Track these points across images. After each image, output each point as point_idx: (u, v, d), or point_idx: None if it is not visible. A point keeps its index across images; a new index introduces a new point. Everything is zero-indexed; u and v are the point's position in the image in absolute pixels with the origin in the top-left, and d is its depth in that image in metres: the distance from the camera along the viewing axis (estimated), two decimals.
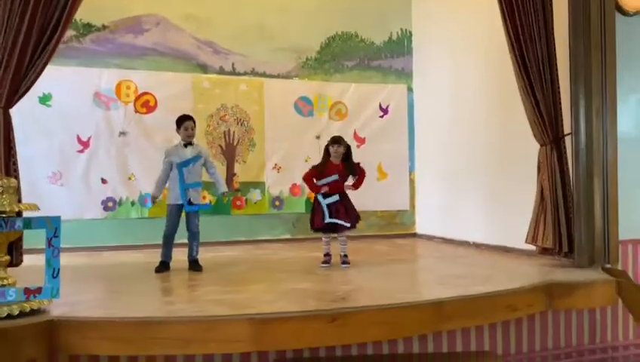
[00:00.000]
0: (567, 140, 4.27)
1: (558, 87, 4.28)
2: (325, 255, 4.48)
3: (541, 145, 4.36)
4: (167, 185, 4.48)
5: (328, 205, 4.37)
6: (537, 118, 4.28)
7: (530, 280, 3.56)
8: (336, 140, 4.49)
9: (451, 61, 6.15)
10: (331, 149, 4.45)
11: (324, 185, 4.40)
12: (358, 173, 4.52)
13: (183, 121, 4.39)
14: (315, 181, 4.46)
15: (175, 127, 4.45)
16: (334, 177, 4.41)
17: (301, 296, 3.28)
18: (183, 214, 4.44)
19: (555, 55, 4.28)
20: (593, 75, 4.02)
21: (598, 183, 4.03)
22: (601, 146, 4.04)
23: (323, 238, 4.54)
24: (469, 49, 5.76)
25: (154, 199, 4.59)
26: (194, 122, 4.45)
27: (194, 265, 4.38)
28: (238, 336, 2.72)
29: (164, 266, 4.33)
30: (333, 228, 4.44)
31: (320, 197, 4.40)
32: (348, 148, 4.51)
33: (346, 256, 4.47)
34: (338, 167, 4.45)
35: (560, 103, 4.28)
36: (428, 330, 3.14)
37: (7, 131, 3.32)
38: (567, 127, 4.26)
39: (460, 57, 5.98)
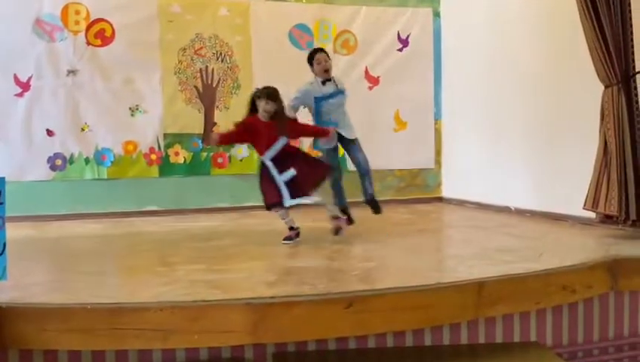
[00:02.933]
0: (639, 80, 4.26)
1: (629, 11, 4.24)
2: (291, 228, 4.45)
3: (606, 87, 4.33)
4: None
5: (286, 183, 4.31)
6: (602, 51, 4.23)
7: (589, 256, 3.61)
8: (272, 95, 4.33)
9: None
10: (261, 105, 4.29)
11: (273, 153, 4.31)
12: (293, 135, 4.50)
13: (314, 55, 4.64)
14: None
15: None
16: (283, 141, 4.32)
17: (308, 276, 3.31)
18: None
19: None
20: None
21: None
22: None
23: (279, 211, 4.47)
24: None
25: None
26: (326, 54, 4.65)
27: (373, 205, 4.67)
28: (231, 326, 2.77)
29: (344, 214, 4.61)
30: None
31: (272, 171, 4.30)
32: (282, 106, 4.38)
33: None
34: (271, 126, 4.32)
35: (630, 32, 4.24)
36: (467, 317, 3.19)
37: None
38: (638, 64, 4.24)
39: None
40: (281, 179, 4.30)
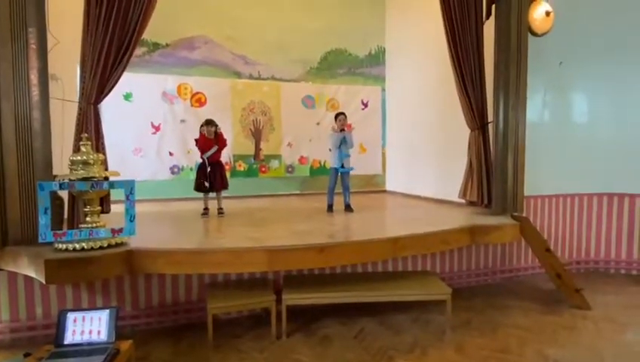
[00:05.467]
0: (490, 126, 4.18)
1: (485, 88, 4.17)
2: (205, 208, 4.29)
3: (471, 130, 4.27)
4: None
5: (209, 172, 4.21)
6: (469, 110, 4.17)
7: (459, 224, 3.53)
8: (209, 122, 4.26)
9: (412, 69, 5.96)
10: (206, 128, 4.22)
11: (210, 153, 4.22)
12: (221, 142, 4.31)
13: (338, 115, 4.46)
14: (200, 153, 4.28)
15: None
16: (214, 148, 4.24)
17: (302, 233, 3.26)
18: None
19: (484, 65, 4.14)
20: (510, 79, 3.89)
21: (511, 156, 3.95)
22: (514, 131, 3.94)
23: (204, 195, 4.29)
24: (425, 60, 5.58)
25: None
26: (344, 116, 4.49)
27: (348, 208, 4.46)
28: (257, 261, 2.75)
29: (331, 208, 4.45)
30: (211, 189, 4.28)
31: (207, 164, 4.20)
32: (216, 126, 4.30)
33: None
34: (213, 141, 4.25)
35: (485, 100, 4.17)
36: (387, 257, 3.14)
37: (97, 120, 3.25)
38: (490, 117, 4.15)
39: (418, 66, 5.80)
40: (208, 169, 4.18)
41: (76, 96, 3.30)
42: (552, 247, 3.90)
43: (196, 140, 4.39)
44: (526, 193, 4.02)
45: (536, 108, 4.37)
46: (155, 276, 3.18)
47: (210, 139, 4.28)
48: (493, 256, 4.25)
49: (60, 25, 3.25)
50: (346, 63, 6.59)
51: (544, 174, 4.35)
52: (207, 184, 4.22)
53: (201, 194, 4.40)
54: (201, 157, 4.32)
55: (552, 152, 4.40)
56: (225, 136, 4.44)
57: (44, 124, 2.82)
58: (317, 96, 6.44)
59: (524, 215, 3.93)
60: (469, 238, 3.46)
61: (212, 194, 4.38)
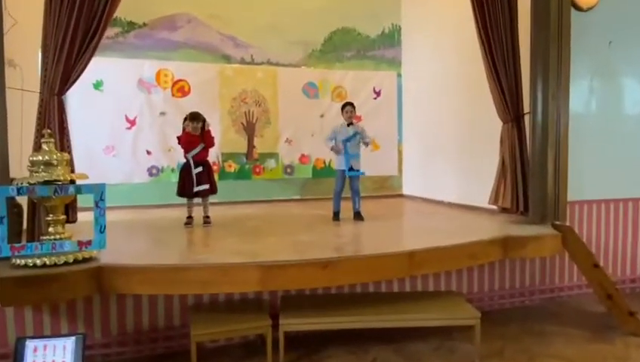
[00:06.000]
0: (526, 118, 4.15)
1: (520, 73, 4.14)
2: (189, 217, 4.31)
3: (504, 123, 4.25)
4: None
5: (196, 174, 4.20)
6: (501, 99, 4.17)
7: (489, 234, 3.51)
8: (195, 117, 4.26)
9: (433, 52, 5.96)
10: (191, 125, 4.23)
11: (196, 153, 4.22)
12: (208, 140, 4.31)
13: (345, 106, 4.51)
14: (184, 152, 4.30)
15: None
16: (201, 146, 4.25)
17: (303, 246, 3.26)
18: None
19: (518, 45, 4.12)
20: (550, 62, 3.86)
21: (552, 154, 3.93)
22: (555, 123, 3.92)
23: (187, 202, 4.32)
24: (448, 41, 5.57)
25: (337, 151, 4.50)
26: (352, 107, 4.51)
27: (358, 216, 4.47)
28: (247, 279, 2.75)
29: (337, 216, 4.49)
30: (197, 194, 4.28)
31: (192, 167, 4.21)
32: (204, 121, 4.30)
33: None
34: (199, 138, 4.26)
35: (521, 87, 4.14)
36: (402, 275, 3.15)
37: (61, 113, 3.27)
38: (526, 108, 4.13)
39: (440, 48, 5.79)
40: (195, 171, 4.20)
41: (37, 86, 3.33)
42: (601, 263, 3.86)
43: (178, 138, 4.41)
44: (569, 198, 3.99)
45: (581, 96, 4.33)
46: (129, 297, 3.19)
47: (195, 135, 4.28)
48: (530, 272, 4.23)
49: (19, 3, 3.28)
50: (354, 45, 6.61)
51: (591, 175, 4.31)
52: (202, 187, 4.19)
53: (183, 200, 4.40)
54: (185, 157, 4.34)
55: (601, 149, 4.36)
56: (213, 134, 4.43)
57: (0, 117, 2.85)
58: (320, 83, 6.44)
59: (567, 224, 3.90)
60: (502, 252, 3.44)
61: (197, 200, 4.39)
